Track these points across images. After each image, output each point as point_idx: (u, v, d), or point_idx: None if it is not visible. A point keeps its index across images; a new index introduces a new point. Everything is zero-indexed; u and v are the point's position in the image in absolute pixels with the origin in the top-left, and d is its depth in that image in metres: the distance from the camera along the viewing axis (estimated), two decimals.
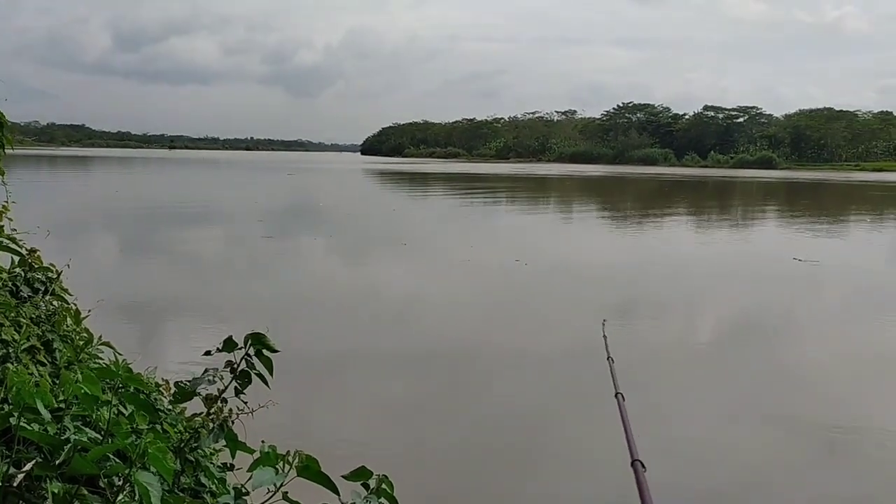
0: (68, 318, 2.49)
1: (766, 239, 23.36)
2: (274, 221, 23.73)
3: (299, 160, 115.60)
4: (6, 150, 2.50)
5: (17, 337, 2.08)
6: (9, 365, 1.86)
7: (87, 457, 1.46)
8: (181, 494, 1.78)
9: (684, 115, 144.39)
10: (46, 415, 1.50)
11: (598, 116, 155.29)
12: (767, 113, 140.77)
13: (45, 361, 2.19)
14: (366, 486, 1.76)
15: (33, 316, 2.35)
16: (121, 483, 1.52)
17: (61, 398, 1.69)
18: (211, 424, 1.92)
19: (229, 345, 1.94)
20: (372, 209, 31.30)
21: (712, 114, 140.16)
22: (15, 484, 1.45)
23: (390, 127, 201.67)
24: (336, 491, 1.67)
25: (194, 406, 2.02)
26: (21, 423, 1.47)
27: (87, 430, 1.60)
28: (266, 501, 1.62)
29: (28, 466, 1.47)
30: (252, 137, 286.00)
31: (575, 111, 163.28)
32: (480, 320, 10.50)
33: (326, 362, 8.21)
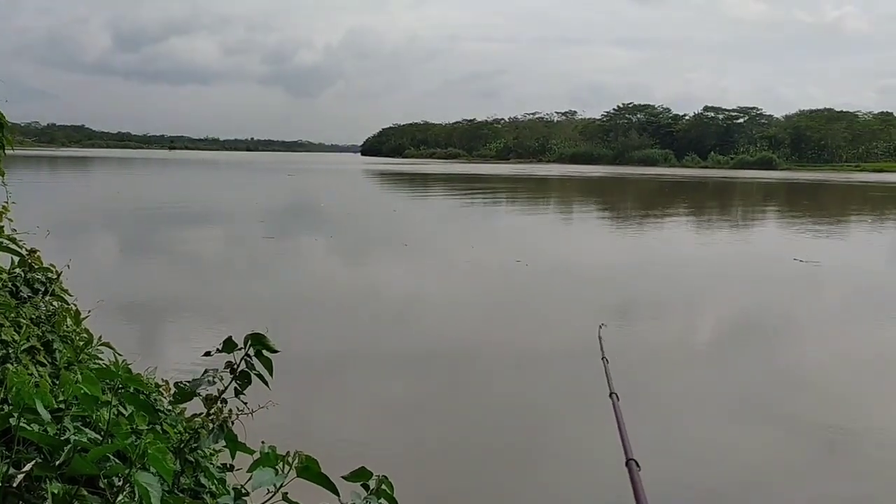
0: (68, 319, 2.49)
1: (766, 239, 23.36)
2: (274, 222, 23.74)
3: (299, 161, 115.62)
4: (6, 151, 2.50)
5: (17, 337, 2.08)
6: (9, 365, 1.86)
7: (86, 457, 1.46)
8: (181, 495, 1.78)
9: (684, 115, 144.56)
10: (46, 415, 1.50)
11: (598, 117, 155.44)
12: (767, 113, 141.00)
13: (45, 362, 2.19)
14: (366, 486, 1.76)
15: (33, 316, 2.35)
16: (121, 483, 1.52)
17: (61, 399, 1.69)
18: (211, 425, 1.92)
19: (229, 345, 1.94)
20: (372, 210, 31.30)
21: (712, 114, 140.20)
22: (15, 484, 1.45)
23: (390, 128, 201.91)
24: (336, 492, 1.67)
25: (194, 406, 2.03)
26: (21, 424, 1.47)
27: (86, 430, 1.60)
28: (266, 502, 1.62)
29: (28, 467, 1.47)
30: (252, 138, 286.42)
31: (575, 112, 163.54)
32: (481, 320, 10.51)
33: (327, 362, 8.21)
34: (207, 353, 2.02)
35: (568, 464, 5.79)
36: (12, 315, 2.21)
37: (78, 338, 2.44)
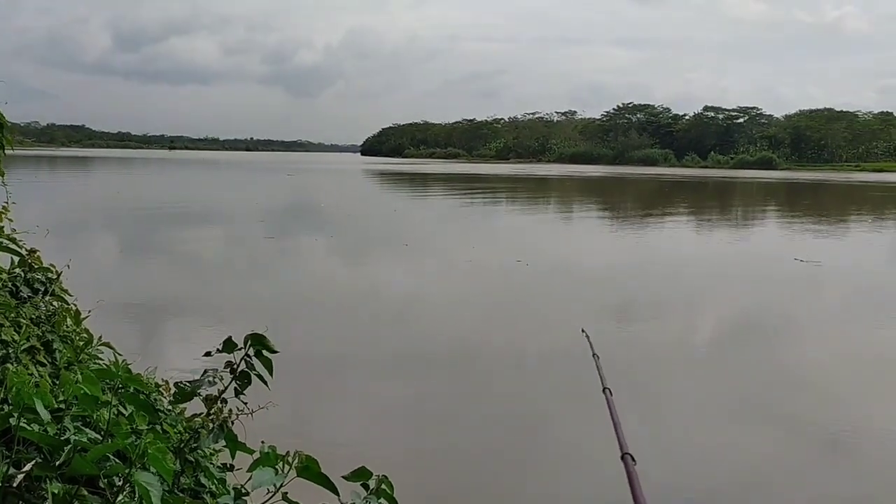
0: (68, 319, 2.49)
1: (767, 239, 23.36)
2: (275, 222, 23.74)
3: (299, 161, 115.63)
4: (6, 151, 2.50)
5: (16, 337, 2.08)
6: (9, 365, 1.86)
7: (86, 457, 1.46)
8: (181, 495, 1.78)
9: (684, 115, 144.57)
10: (46, 415, 1.50)
11: (597, 117, 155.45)
12: (767, 113, 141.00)
13: (45, 362, 2.19)
14: (366, 486, 1.76)
15: (33, 316, 2.35)
16: (121, 483, 1.52)
17: (61, 399, 1.69)
18: (211, 425, 1.92)
19: (229, 345, 1.95)
20: (373, 210, 31.31)
21: (712, 114, 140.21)
22: (15, 484, 1.45)
23: (390, 127, 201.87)
24: (336, 491, 1.67)
25: (194, 406, 2.03)
26: (21, 424, 1.47)
27: (86, 430, 1.60)
28: (266, 502, 1.62)
29: (28, 467, 1.47)
30: (252, 138, 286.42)
31: (575, 112, 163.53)
32: (481, 320, 10.51)
33: (327, 362, 8.21)
34: (207, 353, 2.02)
35: (567, 461, 5.79)
36: (12, 315, 2.21)
37: (78, 338, 2.44)
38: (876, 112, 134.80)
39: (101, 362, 2.39)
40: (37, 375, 1.95)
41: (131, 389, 1.83)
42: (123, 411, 1.80)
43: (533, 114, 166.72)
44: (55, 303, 2.55)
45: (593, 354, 2.80)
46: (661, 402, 7.14)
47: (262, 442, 1.70)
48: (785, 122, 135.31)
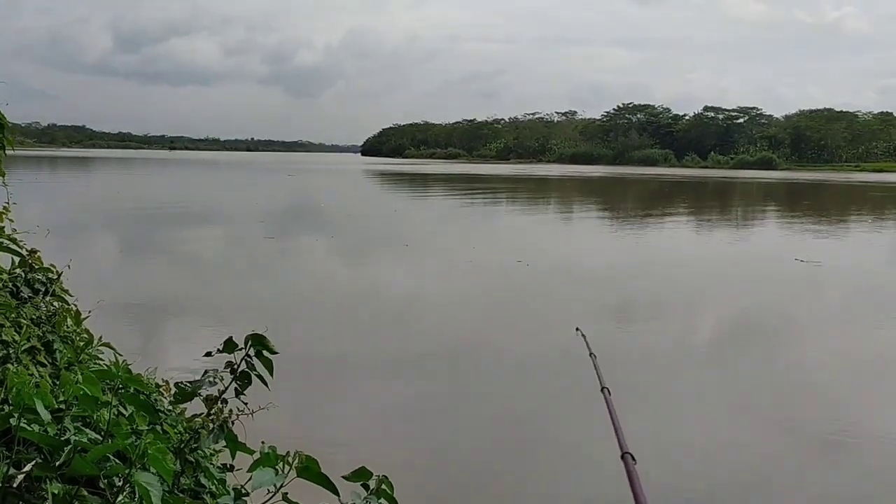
0: (69, 319, 2.49)
1: (767, 239, 23.36)
2: (275, 222, 23.74)
3: (299, 161, 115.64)
4: (7, 152, 2.50)
5: (17, 338, 2.08)
6: (9, 366, 1.86)
7: (86, 457, 1.46)
8: (181, 495, 1.78)
9: (684, 115, 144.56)
10: (46, 415, 1.50)
11: (598, 117, 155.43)
12: (767, 114, 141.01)
13: (46, 362, 2.19)
14: (366, 486, 1.76)
15: (34, 317, 2.35)
16: (121, 484, 1.52)
17: (61, 399, 1.69)
18: (211, 425, 1.92)
19: (230, 346, 1.95)
20: (373, 210, 31.31)
21: (712, 114, 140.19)
22: (15, 485, 1.45)
23: (390, 128, 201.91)
24: (336, 492, 1.67)
25: (194, 407, 2.03)
26: (21, 424, 1.47)
27: (87, 430, 1.61)
28: (266, 502, 1.62)
29: (28, 467, 1.48)
30: (252, 138, 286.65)
31: (575, 112, 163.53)
32: (482, 320, 10.50)
33: (328, 362, 8.21)
34: (208, 354, 2.02)
35: (566, 459, 5.79)
36: (13, 315, 2.21)
37: (78, 338, 2.44)
38: (876, 112, 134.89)
39: (101, 363, 2.39)
40: (37, 376, 1.95)
41: (131, 390, 1.83)
42: (124, 412, 1.80)
43: (533, 114, 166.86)
44: (55, 303, 2.55)
45: (590, 354, 2.81)
46: (662, 401, 7.14)
47: (263, 442, 1.70)
48: (785, 123, 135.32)
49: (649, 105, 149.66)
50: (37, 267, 2.60)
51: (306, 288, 12.93)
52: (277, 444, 1.69)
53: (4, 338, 2.05)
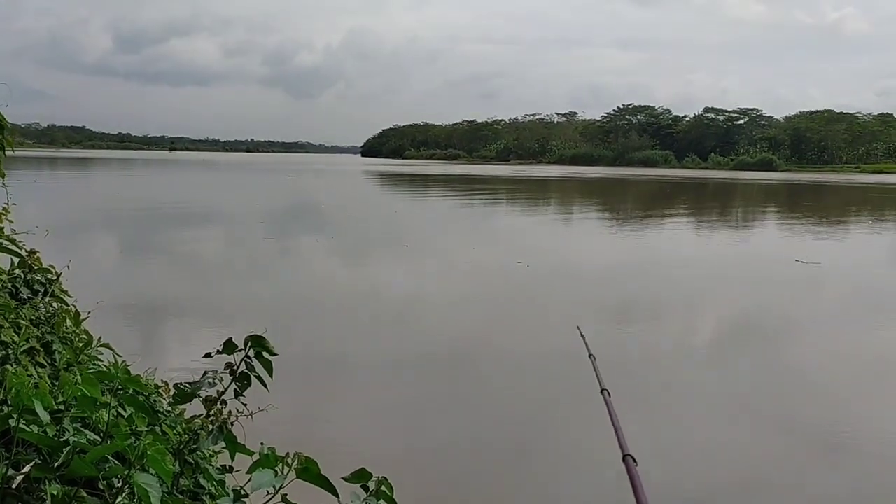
0: (68, 320, 2.49)
1: (767, 241, 23.36)
2: (275, 223, 23.74)
3: (300, 162, 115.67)
4: (7, 153, 2.50)
5: (16, 339, 2.08)
6: (8, 367, 1.86)
7: (86, 458, 1.46)
8: (180, 496, 1.78)
9: (685, 116, 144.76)
10: (45, 416, 1.50)
11: (598, 118, 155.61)
12: (767, 115, 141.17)
13: (45, 363, 2.19)
14: (365, 488, 1.76)
15: (33, 317, 2.35)
16: (120, 485, 1.51)
17: (60, 400, 1.69)
18: (210, 426, 1.92)
19: (229, 347, 1.94)
20: (373, 211, 31.31)
21: (713, 115, 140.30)
22: (14, 486, 1.45)
23: (390, 129, 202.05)
24: (335, 493, 1.66)
25: (194, 408, 2.02)
26: (20, 425, 1.47)
27: (86, 431, 1.60)
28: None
29: (27, 468, 1.47)
30: (252, 139, 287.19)
31: (575, 113, 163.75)
32: (482, 321, 10.50)
33: (328, 363, 8.21)
34: (208, 355, 2.02)
35: (567, 461, 5.78)
36: (12, 316, 2.21)
37: (77, 339, 2.44)
38: (876, 113, 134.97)
39: (100, 363, 2.38)
40: (36, 377, 1.95)
41: (130, 391, 1.83)
42: (123, 413, 1.80)
43: (533, 115, 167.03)
44: (55, 304, 2.55)
45: (589, 355, 2.80)
46: (662, 402, 7.13)
47: (262, 443, 1.70)
48: (785, 124, 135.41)
49: (649, 106, 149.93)
50: (36, 268, 2.59)
51: (306, 289, 12.92)
52: (277, 445, 1.69)
53: (3, 339, 2.04)
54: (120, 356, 2.40)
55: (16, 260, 2.55)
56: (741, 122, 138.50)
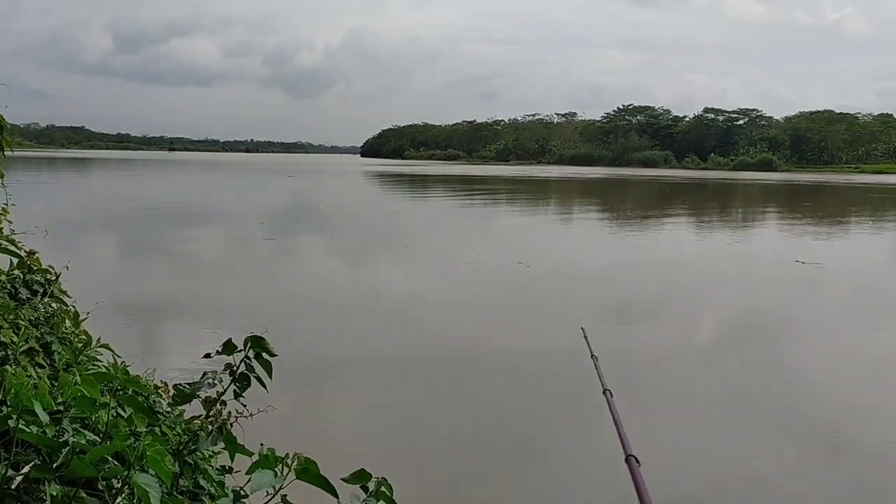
0: (67, 321, 2.48)
1: (768, 241, 23.36)
2: (275, 223, 23.74)
3: (299, 162, 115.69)
4: (6, 153, 2.50)
5: (15, 339, 2.07)
6: (7, 367, 1.86)
7: (85, 459, 1.46)
8: (180, 497, 1.77)
9: (684, 117, 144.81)
10: (45, 417, 1.50)
11: (598, 119, 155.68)
12: (767, 115, 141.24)
13: (44, 363, 2.18)
14: (365, 488, 1.75)
15: (32, 318, 2.34)
16: (119, 485, 1.51)
17: (60, 400, 1.68)
18: (210, 427, 1.91)
19: (229, 347, 1.94)
20: (373, 211, 31.31)
21: (712, 116, 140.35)
22: (13, 486, 1.45)
23: (390, 129, 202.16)
24: (335, 494, 1.66)
25: (194, 408, 2.02)
26: (19, 426, 1.47)
27: (85, 432, 1.60)
28: None
29: (26, 469, 1.47)
30: (252, 139, 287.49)
31: (575, 113, 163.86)
32: (482, 322, 10.50)
33: (327, 364, 8.20)
34: (207, 355, 2.01)
35: (569, 462, 5.78)
36: (11, 317, 2.21)
37: (77, 339, 2.43)
38: (876, 114, 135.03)
39: (99, 364, 2.38)
40: (35, 377, 1.94)
41: (130, 391, 1.83)
42: (122, 413, 1.79)
43: (533, 115, 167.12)
44: (54, 304, 2.54)
45: (592, 355, 2.79)
46: (664, 403, 7.13)
47: (262, 444, 1.69)
48: (785, 124, 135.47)
49: (649, 106, 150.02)
50: (35, 268, 2.59)
51: (306, 289, 12.92)
52: (276, 445, 1.69)
53: (3, 339, 2.04)
54: (119, 357, 2.40)
55: (15, 260, 2.54)
56: (741, 122, 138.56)
